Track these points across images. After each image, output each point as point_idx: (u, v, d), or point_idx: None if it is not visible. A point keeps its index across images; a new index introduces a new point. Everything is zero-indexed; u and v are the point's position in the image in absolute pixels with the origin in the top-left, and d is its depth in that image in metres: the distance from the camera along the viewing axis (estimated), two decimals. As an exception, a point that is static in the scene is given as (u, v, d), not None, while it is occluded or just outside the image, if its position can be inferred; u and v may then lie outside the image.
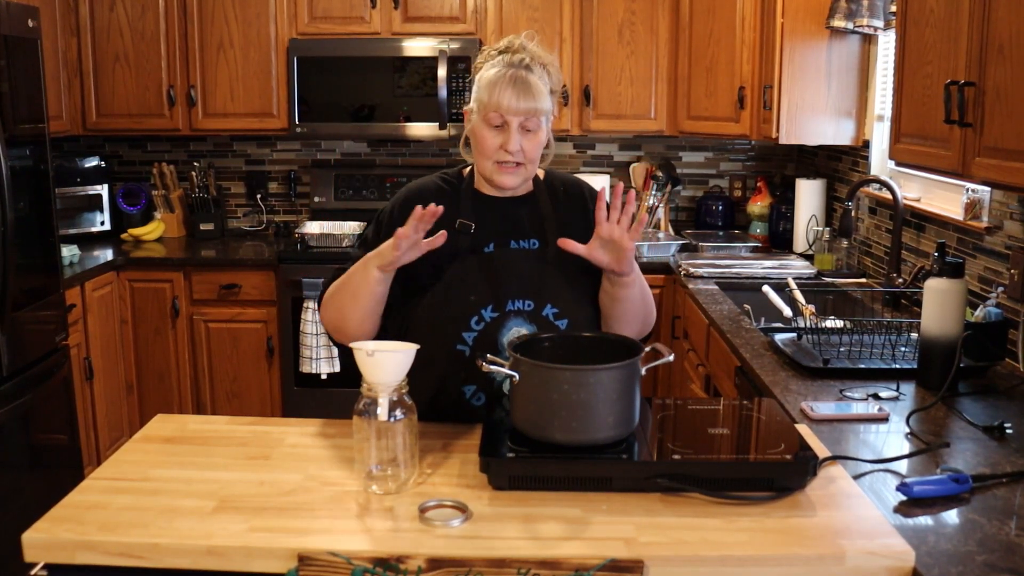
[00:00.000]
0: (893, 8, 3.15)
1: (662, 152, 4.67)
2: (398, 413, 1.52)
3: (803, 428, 1.81)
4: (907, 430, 1.92)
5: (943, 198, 3.06)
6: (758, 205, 4.41)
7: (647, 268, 3.91)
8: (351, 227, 4.30)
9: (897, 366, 2.30)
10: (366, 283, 1.77)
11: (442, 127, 4.21)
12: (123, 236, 4.49)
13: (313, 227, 4.30)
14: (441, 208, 1.67)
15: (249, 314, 4.13)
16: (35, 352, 3.28)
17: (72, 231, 4.35)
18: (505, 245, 1.87)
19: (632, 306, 1.85)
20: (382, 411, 1.51)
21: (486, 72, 1.82)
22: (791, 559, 1.34)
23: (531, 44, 1.85)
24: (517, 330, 1.81)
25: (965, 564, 1.36)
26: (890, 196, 3.21)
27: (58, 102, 4.10)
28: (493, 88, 1.78)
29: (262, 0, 4.23)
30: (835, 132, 3.68)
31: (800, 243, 4.08)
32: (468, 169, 1.95)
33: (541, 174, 1.95)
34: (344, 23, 4.25)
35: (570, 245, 1.72)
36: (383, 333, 1.88)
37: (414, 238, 1.68)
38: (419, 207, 1.66)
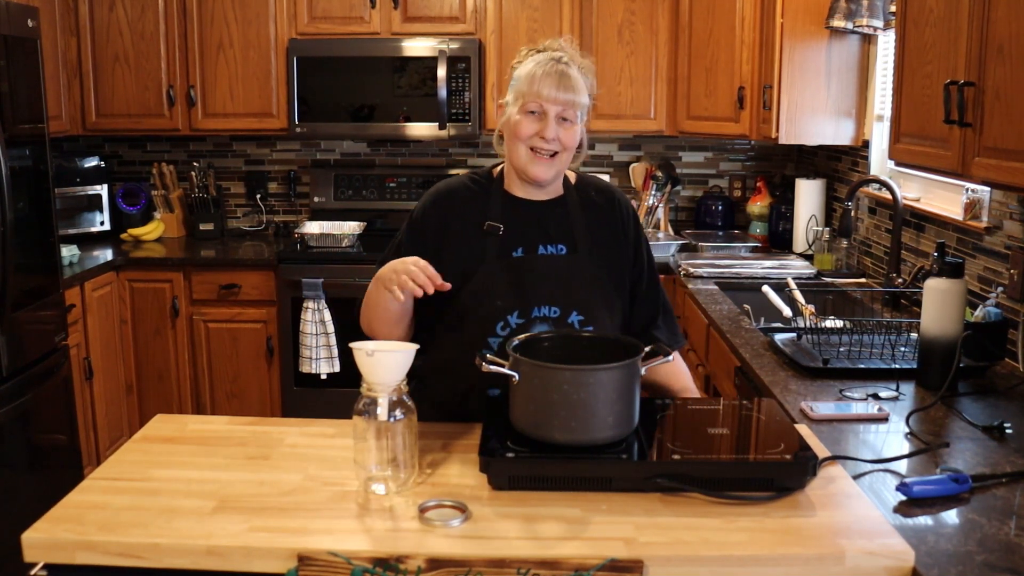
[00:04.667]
0: (893, 8, 3.15)
1: (662, 152, 4.67)
2: (398, 413, 1.52)
3: (803, 428, 1.81)
4: (907, 430, 1.92)
5: (943, 198, 3.06)
6: (758, 205, 4.41)
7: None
8: (351, 227, 4.30)
9: (897, 366, 2.30)
10: (382, 303, 1.78)
11: (442, 127, 4.21)
12: (123, 236, 4.49)
13: (313, 227, 4.30)
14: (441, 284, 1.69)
15: (249, 314, 4.13)
16: (35, 352, 3.27)
17: (72, 231, 4.35)
18: (533, 250, 1.87)
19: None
20: (382, 411, 1.51)
21: (525, 66, 1.83)
22: (791, 559, 1.34)
23: (569, 47, 1.87)
24: None
25: (965, 564, 1.36)
26: (890, 196, 3.21)
27: (58, 102, 4.10)
28: (533, 79, 1.80)
29: (262, 0, 4.23)
30: (835, 132, 3.68)
31: (800, 243, 4.08)
32: (498, 169, 1.95)
33: (572, 177, 1.96)
34: (344, 23, 4.25)
35: None
36: (414, 338, 1.89)
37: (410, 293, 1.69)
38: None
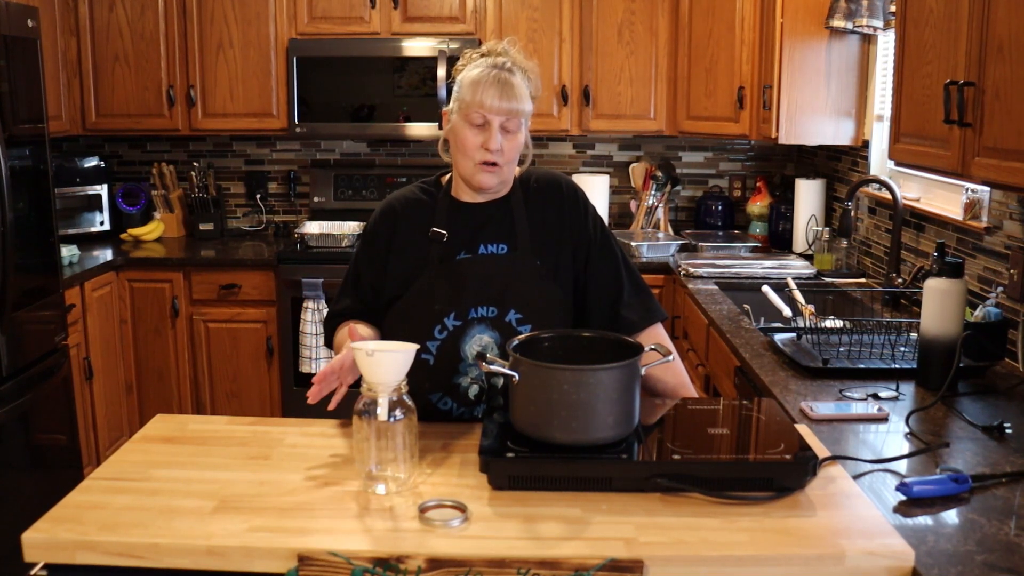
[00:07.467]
0: (893, 8, 3.15)
1: (662, 152, 4.67)
2: (398, 413, 1.52)
3: (803, 428, 1.81)
4: (907, 430, 1.92)
5: (943, 198, 3.06)
6: (758, 205, 4.41)
7: (647, 268, 3.92)
8: (351, 227, 4.30)
9: (897, 366, 2.30)
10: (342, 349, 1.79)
11: (442, 127, 4.19)
12: (123, 236, 4.49)
13: (313, 227, 4.30)
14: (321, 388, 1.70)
15: (249, 314, 4.13)
16: (35, 352, 3.27)
17: (72, 231, 4.35)
18: (475, 252, 1.87)
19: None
20: (382, 411, 1.51)
21: (469, 72, 1.82)
22: (791, 559, 1.34)
23: (512, 49, 1.86)
24: (480, 338, 1.83)
25: (964, 564, 1.36)
26: (890, 196, 3.21)
27: (58, 102, 4.10)
28: (476, 87, 1.78)
29: (262, 0, 4.23)
30: (835, 132, 3.68)
31: (800, 243, 4.08)
32: (447, 177, 1.96)
33: (518, 172, 1.95)
34: (344, 23, 4.25)
35: None
36: None
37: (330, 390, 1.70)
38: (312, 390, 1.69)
